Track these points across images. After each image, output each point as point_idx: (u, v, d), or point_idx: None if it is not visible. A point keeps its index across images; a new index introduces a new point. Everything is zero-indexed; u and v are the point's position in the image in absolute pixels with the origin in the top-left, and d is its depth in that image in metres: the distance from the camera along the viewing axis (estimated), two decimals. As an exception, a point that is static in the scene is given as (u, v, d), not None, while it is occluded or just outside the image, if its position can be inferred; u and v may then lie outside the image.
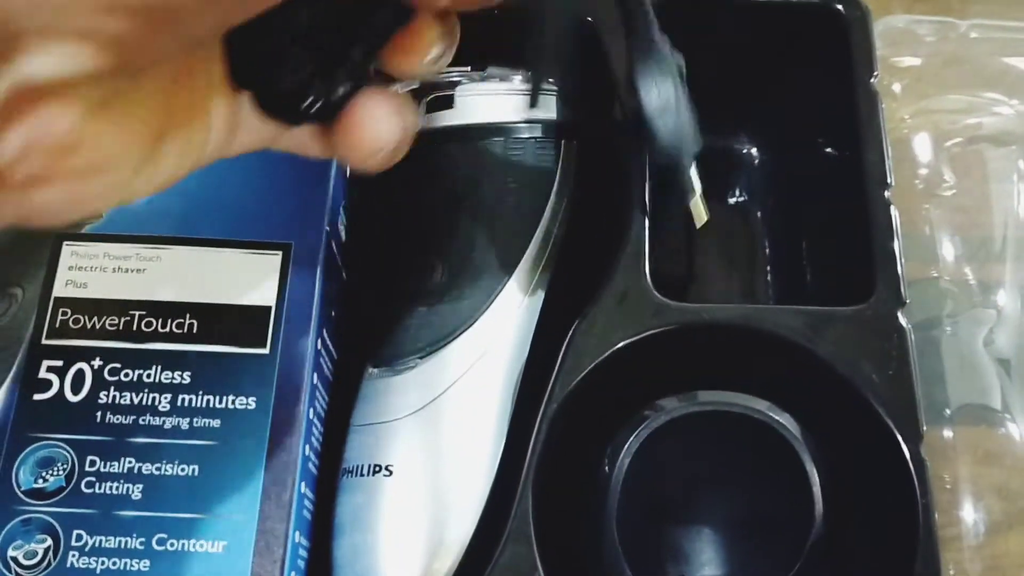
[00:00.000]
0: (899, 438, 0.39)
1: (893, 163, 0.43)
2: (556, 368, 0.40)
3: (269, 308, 0.40)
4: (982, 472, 0.44)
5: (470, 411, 0.40)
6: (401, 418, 0.40)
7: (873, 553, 0.41)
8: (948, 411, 0.45)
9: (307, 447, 0.39)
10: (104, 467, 0.37)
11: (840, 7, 0.46)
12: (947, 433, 0.45)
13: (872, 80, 0.44)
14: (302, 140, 0.30)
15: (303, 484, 0.38)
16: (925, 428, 0.39)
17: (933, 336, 0.46)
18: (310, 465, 0.40)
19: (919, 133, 0.49)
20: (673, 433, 0.41)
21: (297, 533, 0.38)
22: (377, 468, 0.39)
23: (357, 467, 0.40)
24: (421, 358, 0.41)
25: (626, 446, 0.40)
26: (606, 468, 0.40)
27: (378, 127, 0.29)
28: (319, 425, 0.41)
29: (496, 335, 0.41)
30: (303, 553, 0.39)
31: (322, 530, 0.40)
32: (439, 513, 0.39)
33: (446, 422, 0.40)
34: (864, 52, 0.45)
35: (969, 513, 0.44)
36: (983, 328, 0.46)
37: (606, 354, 0.40)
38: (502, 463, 0.40)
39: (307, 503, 0.39)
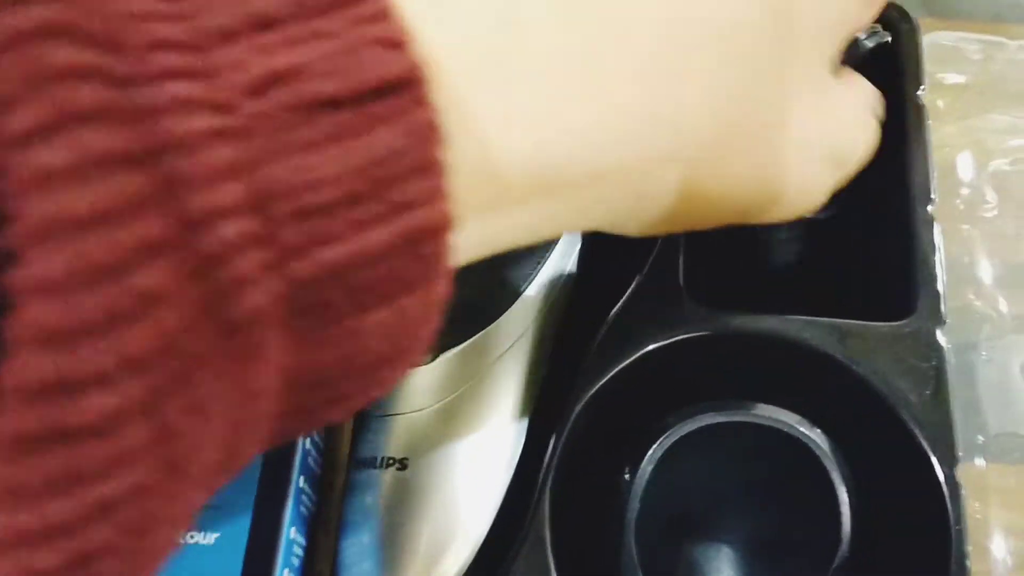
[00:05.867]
0: (934, 460, 0.37)
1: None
2: (581, 368, 0.39)
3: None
4: (1015, 504, 0.43)
5: (489, 409, 0.39)
6: (418, 411, 0.39)
7: (901, 578, 0.39)
8: (981, 439, 0.43)
9: (307, 440, 0.37)
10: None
11: (888, 19, 0.45)
12: (979, 462, 0.43)
13: (919, 93, 0.43)
14: None
15: (302, 479, 0.37)
16: (961, 454, 0.38)
17: (969, 361, 0.44)
18: (310, 460, 0.38)
19: (962, 152, 0.48)
20: (698, 443, 0.39)
21: (293, 529, 0.36)
22: (391, 461, 0.38)
23: (370, 459, 0.39)
24: (443, 351, 0.39)
25: (648, 454, 0.39)
26: (627, 476, 0.39)
27: None
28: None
29: (519, 332, 0.40)
30: (298, 551, 0.37)
31: (325, 524, 0.39)
32: (452, 513, 0.37)
33: (464, 419, 0.38)
34: (912, 65, 0.44)
35: (1000, 547, 0.42)
36: (1021, 356, 0.45)
37: (633, 357, 0.39)
38: (520, 464, 0.39)
39: (305, 499, 0.38)
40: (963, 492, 0.37)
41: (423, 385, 0.39)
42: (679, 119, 0.24)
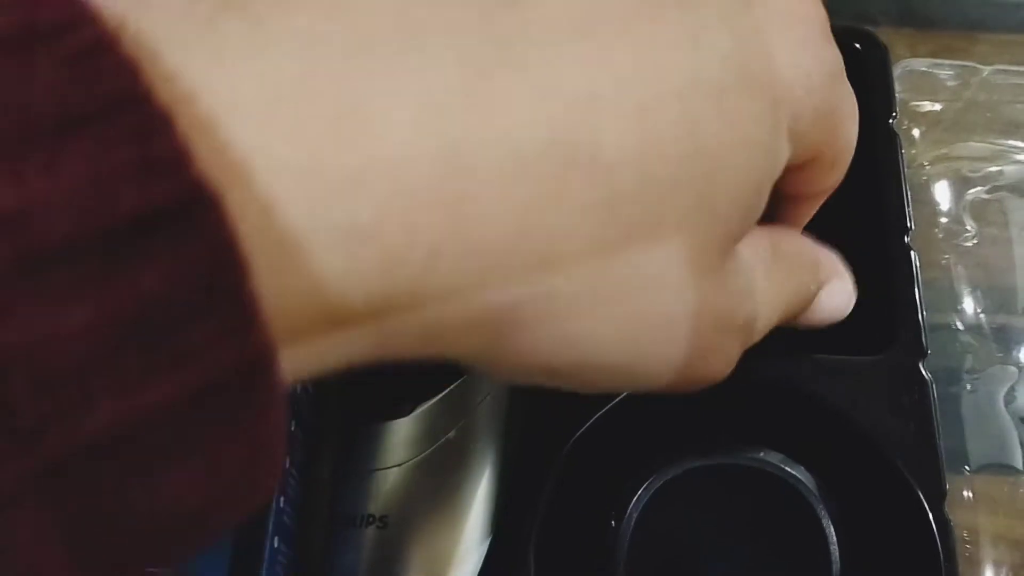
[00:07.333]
0: (921, 497, 0.37)
1: (912, 210, 0.41)
2: (563, 414, 0.38)
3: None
4: (1004, 535, 0.42)
5: (469, 461, 0.38)
6: (397, 466, 0.38)
7: (893, 618, 0.38)
8: (967, 470, 0.43)
9: (282, 499, 0.37)
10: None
11: (858, 45, 0.45)
12: (966, 493, 0.43)
13: (891, 121, 0.43)
14: None
15: (276, 538, 0.36)
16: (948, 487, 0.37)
17: (952, 392, 0.44)
18: (285, 518, 0.37)
19: (939, 180, 0.47)
20: (683, 488, 0.38)
21: (271, 592, 0.35)
22: (371, 519, 0.37)
23: (351, 516, 0.38)
24: (419, 404, 0.39)
25: (634, 501, 0.38)
26: (613, 523, 0.38)
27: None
28: (296, 475, 0.38)
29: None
30: (278, 613, 0.37)
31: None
32: (436, 570, 0.37)
33: (444, 472, 0.38)
34: (883, 91, 0.43)
35: (990, 580, 0.42)
36: (1004, 386, 0.44)
37: (614, 401, 0.38)
38: (503, 516, 0.38)
39: (281, 558, 0.37)
40: (952, 528, 0.36)
41: (400, 439, 0.38)
42: (552, 239, 0.20)
